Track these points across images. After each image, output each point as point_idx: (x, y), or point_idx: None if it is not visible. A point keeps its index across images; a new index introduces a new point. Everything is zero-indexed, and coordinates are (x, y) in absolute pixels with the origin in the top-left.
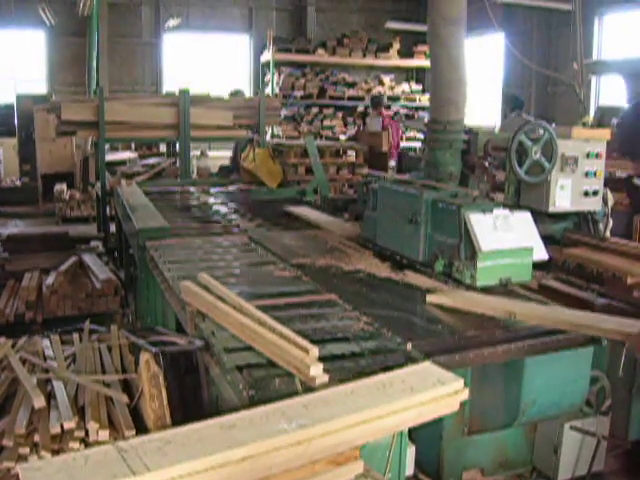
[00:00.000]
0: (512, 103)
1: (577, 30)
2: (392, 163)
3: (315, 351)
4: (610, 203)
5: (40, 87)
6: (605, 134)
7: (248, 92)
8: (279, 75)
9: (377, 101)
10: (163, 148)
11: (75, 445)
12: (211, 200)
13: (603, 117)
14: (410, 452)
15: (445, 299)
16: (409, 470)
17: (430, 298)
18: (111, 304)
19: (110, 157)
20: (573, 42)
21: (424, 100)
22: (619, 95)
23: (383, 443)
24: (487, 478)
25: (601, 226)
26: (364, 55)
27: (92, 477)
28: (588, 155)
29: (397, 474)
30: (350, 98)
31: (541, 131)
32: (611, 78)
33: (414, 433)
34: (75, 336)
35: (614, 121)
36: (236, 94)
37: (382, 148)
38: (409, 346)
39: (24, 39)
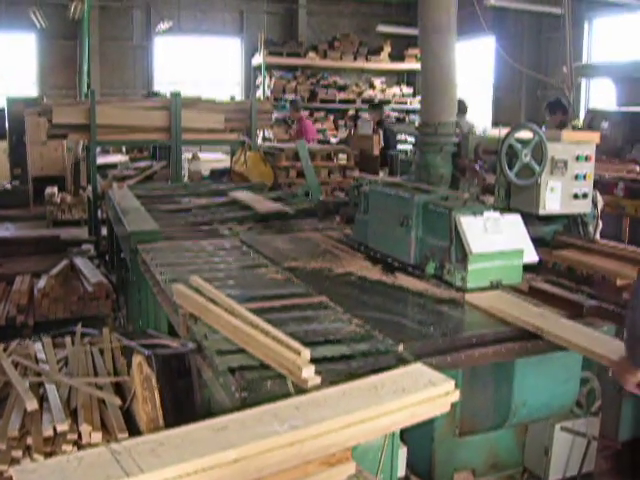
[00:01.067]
0: (555, 107)
1: (567, 34)
2: None
3: (307, 353)
4: (600, 205)
5: (31, 90)
6: (595, 137)
7: (239, 95)
8: (270, 78)
9: (295, 106)
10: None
11: (68, 448)
12: (203, 203)
13: (593, 120)
14: (402, 453)
15: (485, 301)
16: (401, 471)
17: (469, 297)
18: (103, 307)
19: (101, 160)
20: (563, 46)
21: (415, 103)
22: (609, 98)
23: (375, 444)
24: (478, 479)
25: (591, 228)
26: (355, 58)
27: (86, 479)
28: (578, 158)
29: (389, 475)
30: (341, 101)
31: (531, 134)
32: (601, 81)
33: (406, 434)
34: (67, 339)
35: (604, 124)
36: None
37: (373, 151)
38: (400, 348)
39: (15, 42)
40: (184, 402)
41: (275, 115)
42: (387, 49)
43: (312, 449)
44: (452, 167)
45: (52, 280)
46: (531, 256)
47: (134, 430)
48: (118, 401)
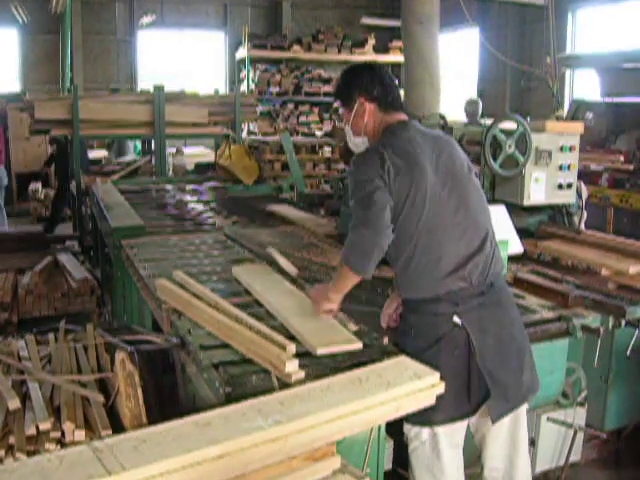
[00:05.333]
0: None
1: (550, 25)
2: None
3: (292, 347)
4: (584, 196)
5: (13, 85)
6: (579, 127)
7: (224, 89)
8: (255, 72)
9: None
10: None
11: (51, 446)
12: (187, 198)
13: (577, 111)
14: (388, 447)
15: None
16: (387, 465)
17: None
18: (87, 303)
19: None
20: (547, 36)
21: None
22: (593, 89)
23: (361, 438)
24: (465, 471)
25: (575, 219)
26: (339, 51)
27: (67, 478)
28: (562, 148)
29: (375, 469)
30: (326, 94)
31: (515, 125)
32: (585, 72)
33: (392, 427)
34: (50, 336)
35: (588, 115)
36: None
37: None
38: (385, 340)
39: None
40: (168, 398)
41: (260, 108)
42: (371, 41)
43: (296, 444)
44: None
45: (36, 277)
46: (516, 247)
47: (118, 427)
48: (101, 398)
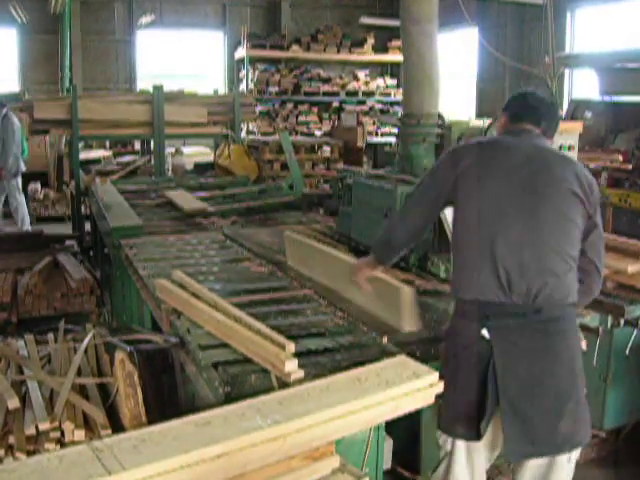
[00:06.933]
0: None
1: (549, 24)
2: None
3: (291, 347)
4: None
5: (12, 85)
6: (578, 127)
7: (223, 89)
8: (254, 71)
9: None
10: (138, 146)
11: (51, 446)
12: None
13: (576, 110)
14: (387, 446)
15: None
16: (387, 464)
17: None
18: (87, 303)
19: (84, 155)
20: (545, 36)
21: (399, 95)
22: (592, 88)
23: (360, 437)
24: None
25: None
26: (338, 51)
27: (67, 477)
28: (561, 147)
29: (374, 468)
30: (325, 94)
31: None
32: (584, 72)
33: (391, 427)
34: (50, 336)
35: (587, 114)
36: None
37: (357, 143)
38: (384, 340)
39: None
40: (167, 398)
41: (259, 108)
42: (370, 41)
43: (295, 443)
44: (435, 158)
45: (35, 277)
46: None
47: (118, 427)
48: (101, 417)
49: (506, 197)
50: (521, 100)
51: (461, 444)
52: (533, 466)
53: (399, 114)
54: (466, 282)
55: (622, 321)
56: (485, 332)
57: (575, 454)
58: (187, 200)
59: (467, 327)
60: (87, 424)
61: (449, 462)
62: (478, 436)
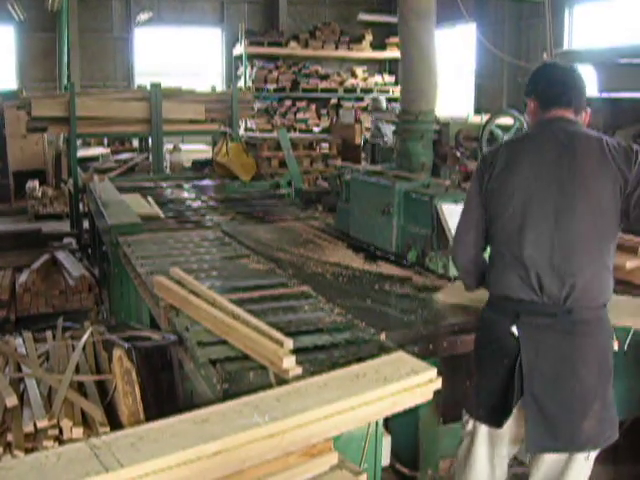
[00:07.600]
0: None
1: (547, 20)
2: None
3: (290, 343)
4: None
5: (10, 83)
6: None
7: (221, 86)
8: (252, 68)
9: None
10: (136, 143)
11: (49, 443)
12: (184, 195)
13: None
14: (386, 442)
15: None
16: (385, 460)
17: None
18: (85, 301)
19: (82, 153)
20: (543, 32)
21: (397, 92)
22: (590, 84)
23: (358, 434)
24: None
25: None
26: (336, 47)
27: (65, 475)
28: None
29: (373, 464)
30: (323, 90)
31: (512, 120)
32: (582, 68)
33: (390, 423)
34: (48, 334)
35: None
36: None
37: (355, 140)
38: (382, 336)
39: None
40: (165, 395)
41: (257, 105)
42: (368, 37)
43: (293, 440)
44: (433, 154)
45: (34, 274)
46: None
47: (116, 424)
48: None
49: (536, 198)
50: (547, 81)
51: (483, 428)
52: (551, 461)
53: (396, 110)
54: (499, 279)
55: None
56: (515, 329)
57: (594, 453)
58: (140, 205)
59: (497, 322)
60: (85, 421)
61: (470, 442)
62: (499, 424)
